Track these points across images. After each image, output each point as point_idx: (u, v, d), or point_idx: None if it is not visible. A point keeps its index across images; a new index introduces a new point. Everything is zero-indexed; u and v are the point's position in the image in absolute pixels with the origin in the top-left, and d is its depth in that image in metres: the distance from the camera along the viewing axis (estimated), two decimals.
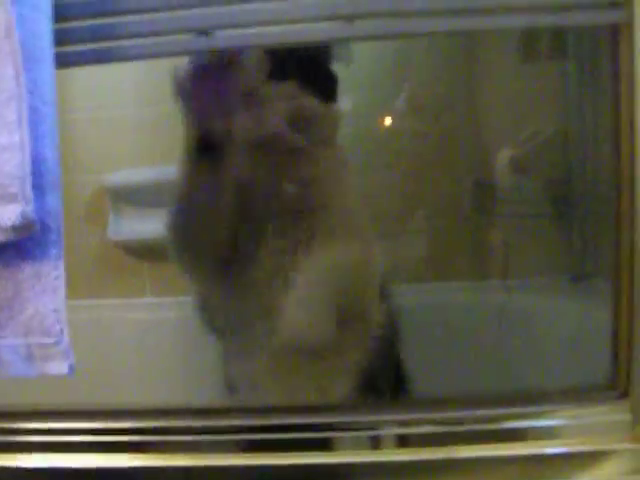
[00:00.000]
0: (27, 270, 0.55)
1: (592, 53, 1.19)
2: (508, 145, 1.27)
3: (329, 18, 0.64)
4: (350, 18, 0.64)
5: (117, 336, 1.32)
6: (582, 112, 1.24)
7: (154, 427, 0.72)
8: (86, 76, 1.24)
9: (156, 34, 0.60)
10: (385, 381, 0.89)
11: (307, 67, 0.82)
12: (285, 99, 0.82)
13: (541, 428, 0.68)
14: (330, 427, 0.71)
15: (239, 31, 0.63)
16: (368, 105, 1.32)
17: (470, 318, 1.19)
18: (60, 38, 0.56)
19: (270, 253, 0.85)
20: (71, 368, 0.57)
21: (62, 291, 0.56)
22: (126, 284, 1.38)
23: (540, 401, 0.70)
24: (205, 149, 0.83)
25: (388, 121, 1.34)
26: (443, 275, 1.32)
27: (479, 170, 1.32)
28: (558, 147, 1.27)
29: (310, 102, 0.84)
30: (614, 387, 0.67)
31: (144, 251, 1.35)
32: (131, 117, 1.35)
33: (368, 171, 1.29)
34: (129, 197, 1.32)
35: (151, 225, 1.29)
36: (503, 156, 1.26)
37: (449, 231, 1.33)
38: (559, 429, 0.68)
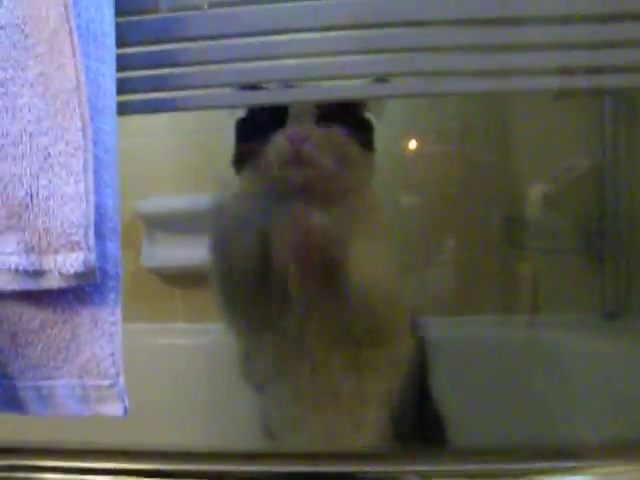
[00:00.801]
0: (85, 315, 0.56)
1: (628, 89, 1.20)
2: (541, 180, 1.27)
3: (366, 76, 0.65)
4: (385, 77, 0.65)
5: (147, 361, 1.34)
6: (617, 148, 1.24)
7: (183, 470, 0.72)
8: None
9: (211, 86, 0.61)
10: (414, 426, 0.89)
11: (346, 114, 0.84)
12: (333, 145, 0.83)
13: None
14: (358, 476, 0.70)
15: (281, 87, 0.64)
16: (399, 132, 1.33)
17: (497, 355, 1.18)
18: (120, 87, 0.57)
19: (300, 307, 0.86)
20: (125, 410, 0.58)
21: (119, 336, 0.57)
22: (158, 309, 1.40)
23: (574, 455, 0.68)
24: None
25: (419, 151, 1.35)
26: (472, 309, 1.32)
27: (511, 204, 1.33)
28: (592, 182, 1.27)
29: (353, 147, 0.85)
30: None
31: (177, 277, 1.37)
32: (167, 144, 1.37)
33: (398, 201, 1.30)
34: (163, 224, 1.34)
35: (185, 252, 1.31)
36: (536, 190, 1.27)
37: (480, 264, 1.33)
38: None
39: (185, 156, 1.35)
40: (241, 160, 0.88)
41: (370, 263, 0.88)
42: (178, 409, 1.20)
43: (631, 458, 0.65)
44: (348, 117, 0.86)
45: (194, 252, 1.32)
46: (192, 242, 1.32)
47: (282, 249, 0.85)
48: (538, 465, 0.67)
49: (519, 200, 1.30)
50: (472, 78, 0.65)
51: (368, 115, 0.90)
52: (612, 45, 0.62)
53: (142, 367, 1.31)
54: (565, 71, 0.63)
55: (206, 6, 0.62)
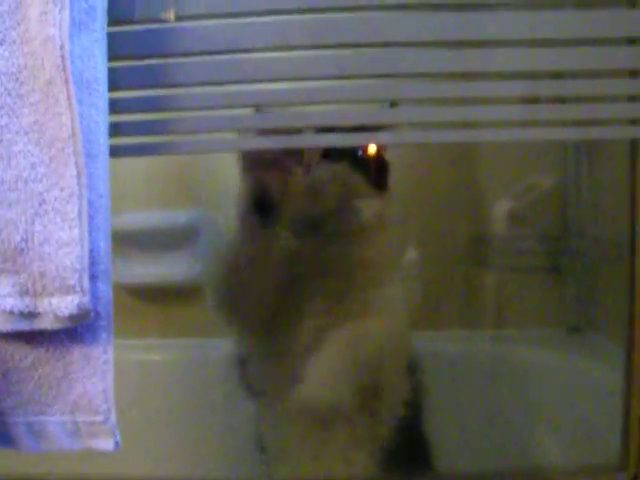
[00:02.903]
0: (77, 353, 0.58)
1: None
2: (506, 197, 1.31)
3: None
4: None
5: (118, 377, 1.33)
6: (580, 167, 1.28)
7: None
8: None
9: (201, 131, 0.63)
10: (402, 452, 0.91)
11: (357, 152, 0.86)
12: (337, 179, 0.84)
13: None
14: None
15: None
16: None
17: (462, 369, 1.21)
18: (111, 131, 0.59)
19: (309, 324, 0.88)
20: (117, 444, 0.60)
21: (111, 373, 0.59)
22: (130, 325, 1.40)
23: (542, 478, 0.70)
24: (260, 214, 0.86)
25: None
26: (437, 324, 1.35)
27: (476, 221, 1.36)
28: (556, 201, 1.31)
29: (360, 184, 0.86)
30: (624, 468, 0.65)
31: (149, 294, 1.37)
32: (139, 161, 1.37)
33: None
34: (135, 240, 1.34)
35: (156, 268, 1.32)
36: (501, 208, 1.30)
37: (445, 280, 1.36)
38: None
39: (157, 173, 1.35)
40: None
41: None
42: (148, 426, 1.20)
43: None
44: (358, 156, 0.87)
45: (166, 268, 1.33)
46: (164, 259, 1.34)
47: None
48: None
49: (484, 217, 1.33)
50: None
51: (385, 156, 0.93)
52: (572, 100, 0.66)
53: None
54: (529, 124, 0.67)
55: (173, 17, 0.63)
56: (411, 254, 1.33)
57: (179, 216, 1.32)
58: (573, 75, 0.67)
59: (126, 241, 1.34)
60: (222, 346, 1.26)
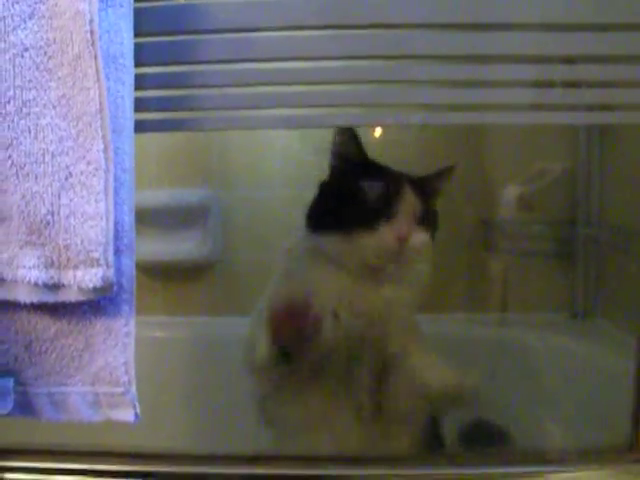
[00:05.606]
0: (99, 325, 0.59)
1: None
2: (515, 183, 1.31)
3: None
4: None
5: None
6: (590, 153, 1.29)
7: (163, 472, 0.72)
8: None
9: (226, 108, 0.63)
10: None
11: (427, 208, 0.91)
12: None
13: None
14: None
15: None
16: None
17: (467, 352, 1.22)
18: (136, 106, 0.59)
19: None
20: (136, 415, 0.61)
21: (132, 345, 0.60)
22: (140, 302, 1.41)
23: (548, 460, 0.69)
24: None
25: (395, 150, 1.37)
26: (443, 307, 1.35)
27: (484, 206, 1.36)
28: (565, 187, 1.31)
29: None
30: (633, 449, 0.65)
31: (159, 271, 1.38)
32: (150, 139, 1.37)
33: None
34: (146, 218, 1.35)
35: (167, 246, 1.33)
36: (509, 193, 1.31)
37: (452, 264, 1.36)
38: None
39: (169, 151, 1.35)
40: (323, 222, 0.88)
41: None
42: (157, 403, 1.21)
43: (607, 464, 0.65)
44: (427, 211, 0.91)
45: (176, 246, 1.34)
46: (175, 237, 1.34)
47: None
48: (511, 469, 0.69)
49: (492, 202, 1.34)
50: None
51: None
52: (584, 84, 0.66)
53: None
54: (538, 107, 0.67)
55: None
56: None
57: (190, 195, 1.33)
58: (587, 59, 0.66)
59: (137, 219, 1.34)
60: (232, 324, 1.28)
